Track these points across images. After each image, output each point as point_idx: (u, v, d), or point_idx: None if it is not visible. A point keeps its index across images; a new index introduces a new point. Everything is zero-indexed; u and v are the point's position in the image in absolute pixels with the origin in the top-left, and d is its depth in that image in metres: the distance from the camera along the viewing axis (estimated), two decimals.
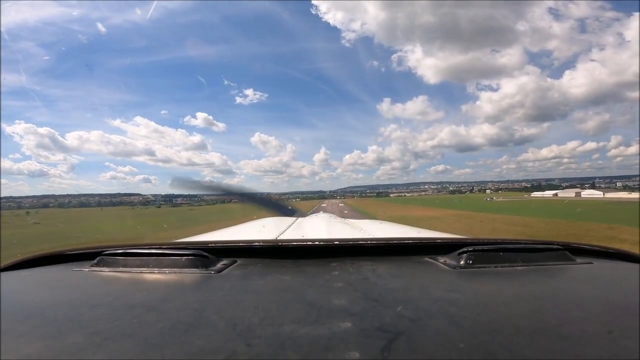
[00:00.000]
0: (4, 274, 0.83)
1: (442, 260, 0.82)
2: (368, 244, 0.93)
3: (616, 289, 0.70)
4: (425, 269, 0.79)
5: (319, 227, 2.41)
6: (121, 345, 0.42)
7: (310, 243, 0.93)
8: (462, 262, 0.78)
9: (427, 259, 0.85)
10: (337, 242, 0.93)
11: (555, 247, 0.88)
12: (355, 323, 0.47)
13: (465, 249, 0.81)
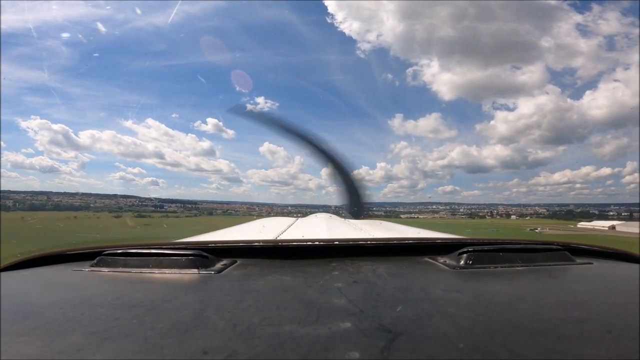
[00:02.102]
0: (4, 274, 0.83)
1: (442, 261, 0.82)
2: (368, 244, 0.94)
3: (616, 289, 0.70)
4: (425, 269, 0.79)
5: (319, 227, 2.41)
6: (121, 345, 0.42)
7: (310, 243, 0.93)
8: (462, 262, 0.78)
9: (427, 259, 0.85)
10: (337, 242, 0.94)
11: (555, 247, 0.88)
12: (355, 323, 0.47)
13: (465, 249, 0.81)
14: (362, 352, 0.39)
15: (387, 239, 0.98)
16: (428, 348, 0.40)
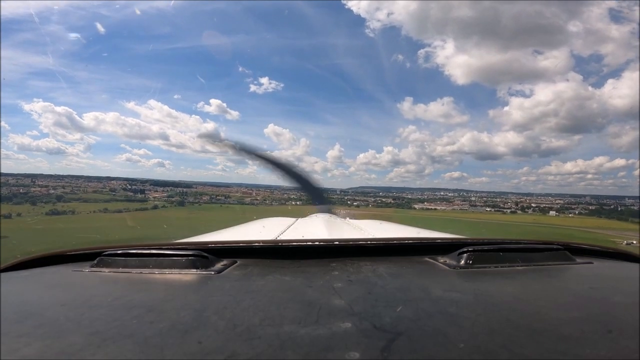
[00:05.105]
0: (4, 274, 0.83)
1: (442, 261, 0.82)
2: (368, 244, 0.94)
3: (616, 289, 0.70)
4: (425, 269, 0.79)
5: (319, 227, 2.42)
6: (121, 345, 0.42)
7: (310, 243, 0.93)
8: (462, 262, 0.78)
9: (427, 259, 0.85)
10: (337, 242, 0.94)
11: (555, 247, 0.88)
12: (355, 323, 0.47)
13: (465, 249, 0.81)
14: (362, 352, 0.39)
15: (387, 239, 0.97)
16: (428, 348, 0.40)
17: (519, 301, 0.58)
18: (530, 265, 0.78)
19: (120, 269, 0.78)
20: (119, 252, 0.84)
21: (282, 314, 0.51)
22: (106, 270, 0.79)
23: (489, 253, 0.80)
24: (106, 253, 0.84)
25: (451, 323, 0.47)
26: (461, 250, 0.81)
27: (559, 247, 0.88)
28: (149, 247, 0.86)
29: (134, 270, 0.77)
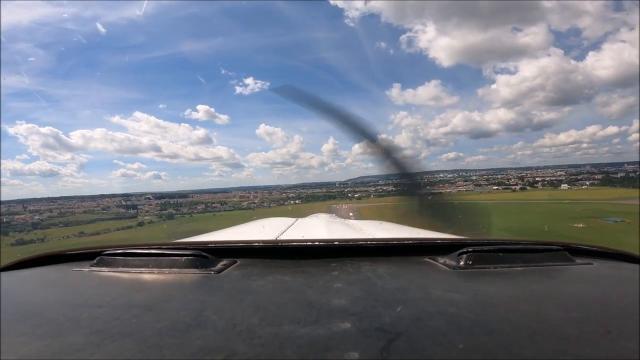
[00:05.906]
0: (4, 274, 0.83)
1: (441, 261, 0.82)
2: (368, 244, 0.94)
3: (616, 289, 0.70)
4: (425, 270, 0.79)
5: (319, 227, 2.41)
6: (121, 345, 0.42)
7: (310, 243, 0.93)
8: (461, 263, 0.78)
9: (426, 259, 0.85)
10: (337, 243, 0.94)
11: (554, 247, 0.88)
12: (355, 323, 0.47)
13: (464, 250, 0.81)
14: (362, 352, 0.39)
15: (387, 239, 0.98)
16: (428, 348, 0.40)
17: (519, 302, 0.58)
18: (530, 266, 0.78)
19: (120, 269, 0.78)
20: (118, 251, 0.84)
21: (282, 314, 0.51)
22: (106, 269, 0.79)
23: (489, 253, 0.80)
24: (106, 253, 0.84)
25: (451, 323, 0.47)
26: (461, 250, 0.81)
27: (559, 247, 0.87)
28: (149, 246, 0.86)
29: (134, 270, 0.77)
